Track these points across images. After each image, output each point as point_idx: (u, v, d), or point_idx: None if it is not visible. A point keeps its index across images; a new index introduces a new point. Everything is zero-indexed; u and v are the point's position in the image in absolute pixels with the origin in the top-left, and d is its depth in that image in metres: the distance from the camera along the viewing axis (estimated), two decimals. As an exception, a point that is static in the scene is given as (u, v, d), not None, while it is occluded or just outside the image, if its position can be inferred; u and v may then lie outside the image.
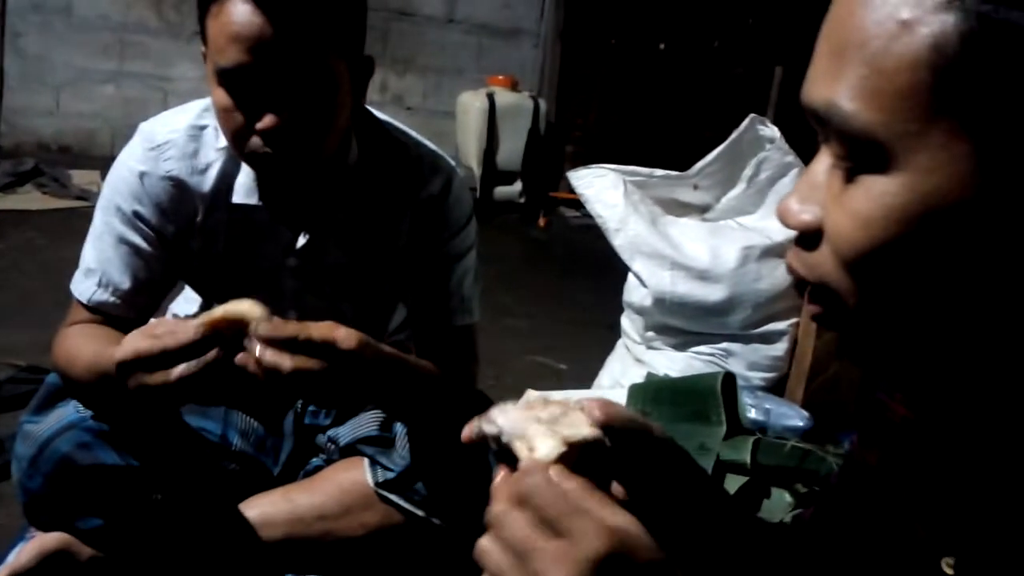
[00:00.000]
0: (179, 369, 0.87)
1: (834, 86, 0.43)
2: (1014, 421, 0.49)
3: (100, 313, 1.14)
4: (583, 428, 0.54)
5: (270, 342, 0.87)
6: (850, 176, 0.44)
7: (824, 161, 0.47)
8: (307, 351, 0.88)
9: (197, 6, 0.98)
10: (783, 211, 0.49)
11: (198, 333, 0.87)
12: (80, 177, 3.65)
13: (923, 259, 0.43)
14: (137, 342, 0.89)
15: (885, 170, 0.42)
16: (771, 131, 2.12)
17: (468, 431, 0.57)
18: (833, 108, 0.43)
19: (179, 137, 1.12)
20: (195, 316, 1.31)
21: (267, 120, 0.95)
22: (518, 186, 4.29)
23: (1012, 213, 0.41)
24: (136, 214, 1.12)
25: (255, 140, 0.98)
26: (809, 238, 0.48)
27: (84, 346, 1.08)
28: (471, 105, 4.13)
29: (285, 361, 0.86)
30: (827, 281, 0.47)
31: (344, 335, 0.90)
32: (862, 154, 0.43)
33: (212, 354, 0.87)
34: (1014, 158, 0.40)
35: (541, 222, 4.20)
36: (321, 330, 0.89)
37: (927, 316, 0.45)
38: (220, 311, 0.88)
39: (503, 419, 0.56)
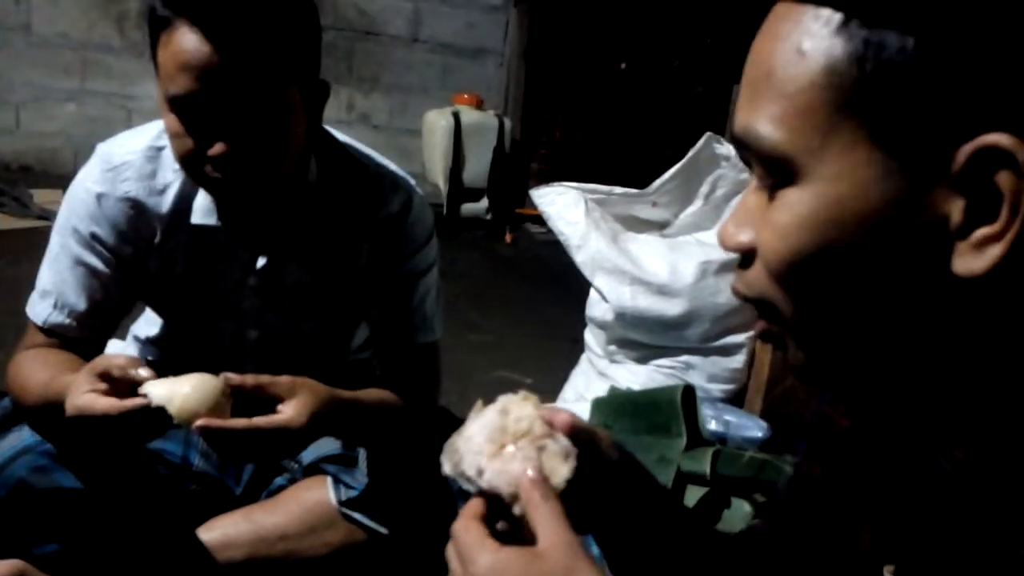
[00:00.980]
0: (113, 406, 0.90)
1: (751, 113, 0.48)
2: (949, 430, 0.51)
3: (56, 336, 1.13)
4: (560, 469, 0.56)
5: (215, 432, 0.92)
6: (772, 194, 0.49)
7: (753, 186, 0.51)
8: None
9: (148, 34, 0.98)
10: (722, 235, 0.53)
11: (135, 406, 0.90)
12: (41, 196, 3.60)
13: (841, 261, 0.46)
14: (81, 400, 0.92)
15: (796, 182, 0.47)
16: (726, 149, 2.17)
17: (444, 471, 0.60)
18: (749, 132, 0.48)
19: (137, 158, 1.12)
20: (155, 341, 1.32)
21: (217, 148, 0.97)
22: (484, 203, 4.32)
23: (910, 212, 0.45)
24: (93, 236, 1.12)
25: (207, 166, 0.99)
26: (746, 258, 0.51)
27: (36, 373, 1.08)
28: (437, 123, 4.15)
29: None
30: (763, 295, 0.50)
31: (295, 415, 0.96)
32: (777, 171, 0.48)
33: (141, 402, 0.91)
34: (903, 162, 0.44)
35: (507, 238, 4.23)
36: (271, 420, 0.95)
37: (855, 318, 0.48)
38: (163, 397, 0.90)
39: (487, 478, 0.57)
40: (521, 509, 0.55)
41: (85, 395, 0.92)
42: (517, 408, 0.59)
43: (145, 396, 0.90)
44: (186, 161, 1.01)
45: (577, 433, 0.61)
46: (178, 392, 0.90)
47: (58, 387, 0.98)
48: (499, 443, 0.57)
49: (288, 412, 0.96)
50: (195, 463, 1.26)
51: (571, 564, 0.52)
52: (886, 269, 0.46)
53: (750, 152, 0.49)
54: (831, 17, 0.45)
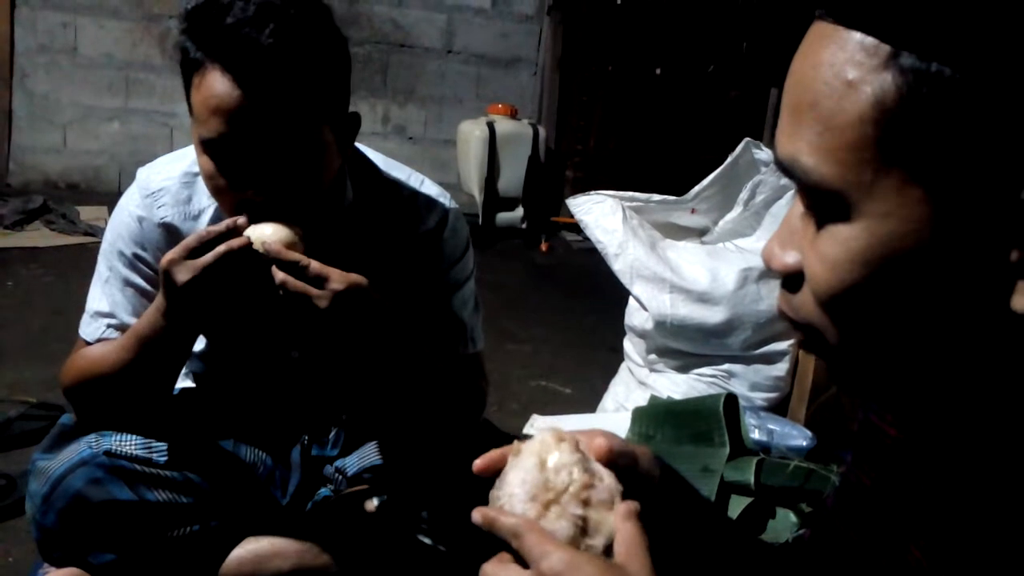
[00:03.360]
0: (206, 258, 0.98)
1: (794, 142, 0.47)
2: (999, 440, 0.51)
3: None
4: (607, 520, 0.55)
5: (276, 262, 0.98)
6: (819, 222, 0.48)
7: (800, 206, 0.50)
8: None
9: (182, 75, 0.99)
10: (767, 255, 0.52)
11: (231, 226, 0.99)
12: (88, 213, 3.69)
13: (892, 295, 0.46)
14: (198, 261, 0.99)
15: (846, 217, 0.45)
16: (765, 154, 2.14)
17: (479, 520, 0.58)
18: (795, 162, 0.47)
19: (173, 184, 1.15)
20: (200, 356, 1.34)
21: (251, 194, 0.99)
22: (520, 212, 4.32)
23: (966, 247, 0.43)
24: (137, 256, 1.15)
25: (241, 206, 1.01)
26: (792, 280, 0.51)
27: (106, 346, 1.13)
28: (471, 134, 4.17)
29: (278, 275, 0.98)
30: (810, 321, 0.50)
31: (337, 276, 0.99)
32: (825, 203, 0.46)
33: (237, 241, 0.98)
34: (959, 198, 0.43)
35: (543, 247, 4.22)
36: (323, 268, 0.99)
37: (902, 346, 0.47)
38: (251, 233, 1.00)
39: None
40: None
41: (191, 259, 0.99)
42: (553, 456, 0.57)
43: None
44: (219, 198, 1.03)
45: (615, 459, 0.61)
46: (262, 229, 1.00)
47: (145, 321, 1.06)
48: (542, 501, 0.56)
49: (335, 271, 1.00)
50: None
51: None
52: (938, 303, 0.45)
53: (796, 180, 0.48)
54: (879, 47, 0.43)
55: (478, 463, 0.61)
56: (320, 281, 0.98)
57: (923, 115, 0.42)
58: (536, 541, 0.54)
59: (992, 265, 0.43)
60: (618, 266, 2.06)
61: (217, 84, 0.94)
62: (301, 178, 1.00)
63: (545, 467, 0.57)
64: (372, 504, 1.22)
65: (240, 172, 0.98)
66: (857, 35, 0.44)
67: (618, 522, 0.55)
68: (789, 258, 0.50)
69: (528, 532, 0.54)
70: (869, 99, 0.43)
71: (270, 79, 0.94)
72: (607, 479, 0.58)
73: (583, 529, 0.55)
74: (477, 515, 0.57)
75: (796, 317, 0.51)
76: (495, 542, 0.56)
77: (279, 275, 0.98)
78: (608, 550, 0.55)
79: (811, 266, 0.48)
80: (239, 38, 0.93)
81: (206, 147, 0.99)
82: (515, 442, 0.62)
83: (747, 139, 2.19)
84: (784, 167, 0.48)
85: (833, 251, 0.46)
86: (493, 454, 0.61)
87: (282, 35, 0.94)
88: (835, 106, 0.44)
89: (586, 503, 0.56)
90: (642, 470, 0.64)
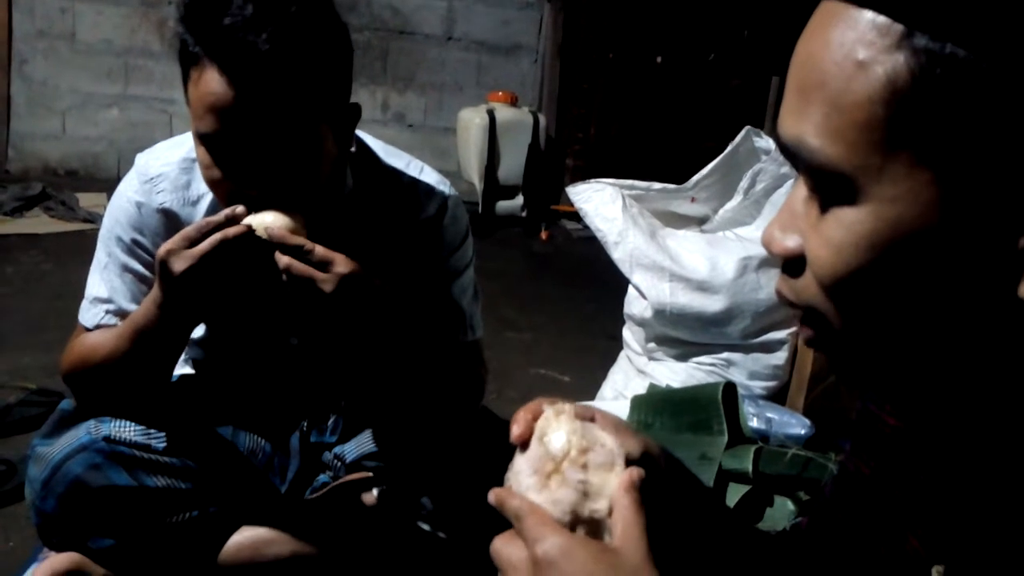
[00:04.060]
0: (204, 244, 0.97)
1: (801, 123, 0.46)
2: (999, 430, 0.51)
3: None
4: (609, 480, 0.55)
5: (279, 247, 0.97)
6: (824, 205, 0.47)
7: (802, 190, 0.49)
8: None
9: (180, 65, 0.99)
10: (767, 239, 0.51)
11: (230, 215, 0.98)
12: (87, 200, 3.68)
13: (897, 280, 0.45)
14: (194, 250, 0.98)
15: (853, 200, 0.44)
16: (766, 142, 2.14)
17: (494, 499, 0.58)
18: (800, 143, 0.46)
19: (171, 170, 1.14)
20: (199, 342, 1.35)
21: (247, 190, 0.99)
22: (520, 200, 4.32)
23: (974, 233, 0.43)
24: (135, 242, 1.15)
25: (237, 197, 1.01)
26: (793, 264, 0.50)
27: (105, 334, 1.13)
28: (472, 121, 4.16)
29: (282, 260, 0.97)
30: (812, 305, 0.49)
31: (342, 260, 0.99)
32: (831, 185, 0.45)
33: (234, 229, 0.97)
34: (969, 183, 0.42)
35: (543, 235, 4.22)
36: (327, 252, 0.99)
37: (906, 332, 0.47)
38: (253, 219, 0.99)
39: (542, 497, 0.55)
40: (581, 532, 0.54)
41: (189, 248, 0.97)
42: (552, 427, 0.58)
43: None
44: (215, 189, 1.03)
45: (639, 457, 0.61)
46: (263, 217, 1.00)
47: (142, 311, 1.05)
48: (545, 473, 0.56)
49: (339, 255, 1.00)
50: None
51: (640, 566, 0.52)
52: (944, 288, 0.44)
53: (800, 162, 0.47)
54: (891, 27, 0.42)
55: (515, 433, 0.59)
56: (325, 265, 0.98)
57: (935, 97, 0.41)
58: (533, 524, 0.54)
59: (1000, 252, 0.43)
60: (618, 254, 2.06)
61: (213, 83, 0.93)
62: (297, 174, 1.00)
63: (545, 440, 0.58)
64: (371, 495, 1.22)
65: (235, 167, 0.98)
66: (869, 14, 0.43)
67: (618, 495, 0.54)
68: (790, 242, 0.49)
69: (528, 515, 0.54)
70: (880, 80, 0.42)
71: (267, 83, 0.93)
72: (608, 443, 0.57)
73: (585, 493, 0.55)
74: (492, 496, 0.57)
75: (797, 300, 0.50)
76: (503, 524, 0.56)
77: (283, 259, 0.97)
78: (611, 514, 0.55)
79: (815, 250, 0.47)
80: (236, 41, 0.91)
81: (202, 140, 0.99)
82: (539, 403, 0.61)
83: (748, 127, 2.18)
84: (788, 149, 0.47)
85: (838, 234, 0.45)
86: (522, 420, 0.60)
87: (280, 38, 0.92)
88: (844, 86, 0.44)
89: (584, 467, 0.56)
90: (658, 464, 0.64)
